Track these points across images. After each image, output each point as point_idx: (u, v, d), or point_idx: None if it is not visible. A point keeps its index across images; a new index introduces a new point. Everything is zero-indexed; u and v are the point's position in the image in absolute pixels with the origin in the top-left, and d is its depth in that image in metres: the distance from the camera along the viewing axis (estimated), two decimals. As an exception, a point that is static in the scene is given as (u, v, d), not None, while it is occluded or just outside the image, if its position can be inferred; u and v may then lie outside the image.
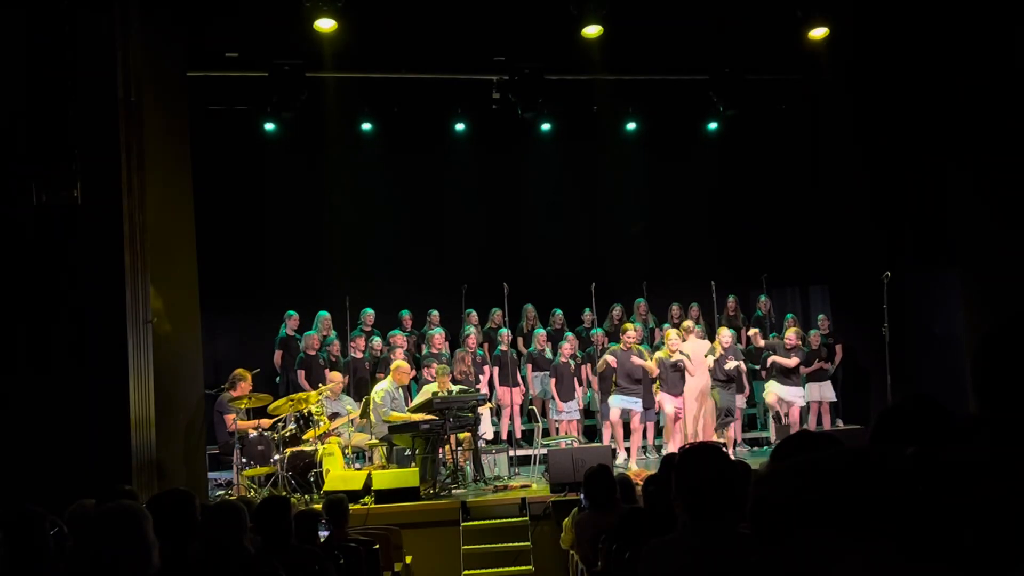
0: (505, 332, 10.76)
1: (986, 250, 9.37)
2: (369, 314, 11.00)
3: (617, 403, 9.60)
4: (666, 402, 9.64)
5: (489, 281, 10.84)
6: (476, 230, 12.13)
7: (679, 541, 2.60)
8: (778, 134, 12.01)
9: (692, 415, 9.72)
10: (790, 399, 10.03)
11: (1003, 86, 8.86)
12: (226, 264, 10.73)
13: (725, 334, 9.95)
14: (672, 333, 9.89)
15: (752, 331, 10.56)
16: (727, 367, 9.76)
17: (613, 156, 12.23)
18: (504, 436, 10.54)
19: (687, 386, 9.70)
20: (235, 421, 8.56)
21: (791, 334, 10.19)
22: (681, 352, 9.65)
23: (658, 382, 9.72)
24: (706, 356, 9.79)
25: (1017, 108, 8.69)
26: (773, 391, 10.13)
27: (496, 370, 10.62)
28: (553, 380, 10.28)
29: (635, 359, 9.60)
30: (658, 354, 9.77)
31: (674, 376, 9.63)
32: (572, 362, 10.39)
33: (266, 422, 8.75)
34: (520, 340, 11.29)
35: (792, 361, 10.03)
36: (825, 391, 10.58)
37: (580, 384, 10.48)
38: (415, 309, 11.46)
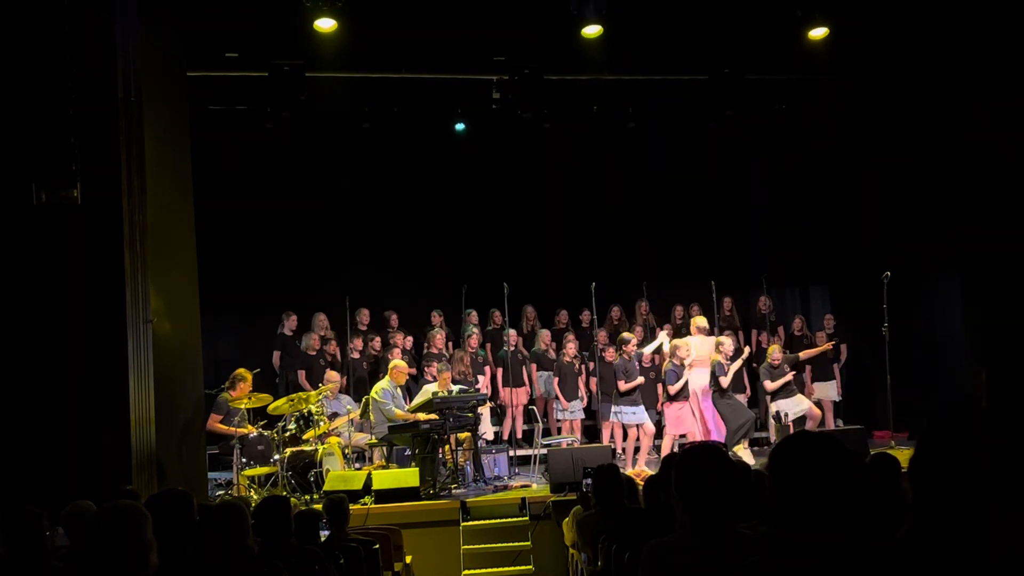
0: (513, 332, 10.76)
1: (985, 250, 9.38)
2: (364, 313, 10.98)
3: (624, 417, 9.54)
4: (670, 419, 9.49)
5: (489, 281, 10.83)
6: (476, 230, 12.12)
7: (679, 541, 2.60)
8: (778, 134, 12.01)
9: (700, 413, 9.71)
10: (798, 411, 9.77)
11: (1003, 86, 8.87)
12: (226, 264, 10.72)
13: (728, 344, 9.87)
14: (670, 339, 9.85)
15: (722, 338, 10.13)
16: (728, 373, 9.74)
17: (613, 156, 12.23)
18: (505, 436, 10.54)
19: (692, 385, 9.69)
20: (236, 422, 8.54)
21: (775, 352, 9.91)
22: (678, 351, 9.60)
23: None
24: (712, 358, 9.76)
25: (1017, 108, 8.70)
26: (778, 409, 9.81)
27: (500, 370, 10.61)
28: (556, 380, 10.28)
29: (645, 354, 9.61)
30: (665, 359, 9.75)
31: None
32: (575, 361, 10.39)
33: (251, 429, 8.64)
34: (520, 340, 11.29)
35: (786, 378, 9.73)
36: (829, 391, 10.56)
37: (584, 383, 10.49)
38: (415, 309, 11.45)
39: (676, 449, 9.49)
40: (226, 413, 8.64)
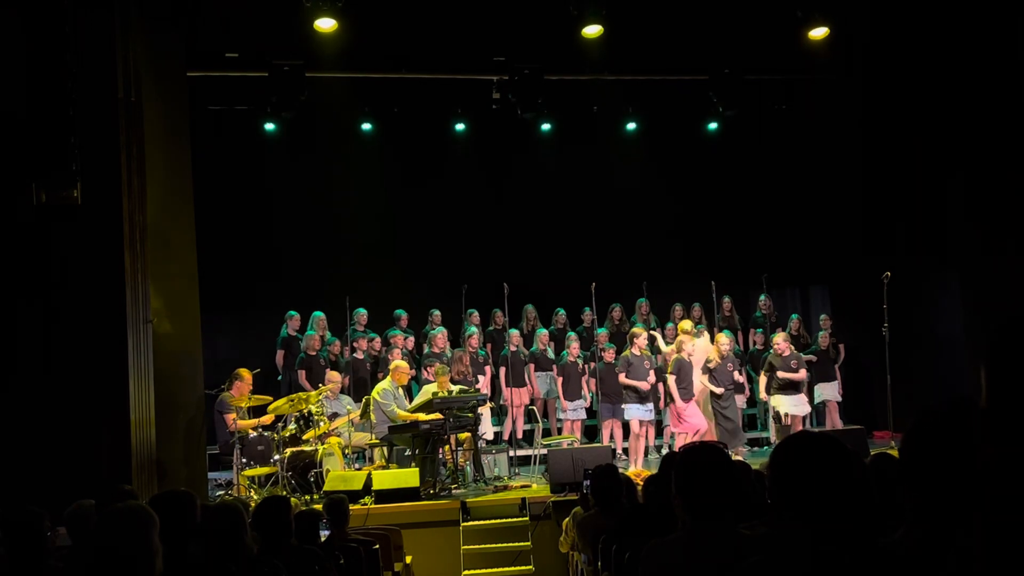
0: (515, 333, 10.75)
1: (985, 251, 9.38)
2: (362, 314, 10.97)
3: (635, 412, 9.55)
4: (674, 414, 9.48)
5: (489, 281, 10.83)
6: (476, 230, 12.12)
7: (679, 541, 2.60)
8: (778, 134, 12.01)
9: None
10: (797, 411, 9.79)
11: (1003, 87, 8.87)
12: (226, 264, 10.73)
13: (724, 341, 9.87)
14: (683, 336, 9.82)
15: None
16: (735, 376, 9.71)
17: (613, 156, 12.24)
18: (505, 436, 10.53)
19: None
20: (235, 421, 8.55)
21: (780, 340, 9.90)
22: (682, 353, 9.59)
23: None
24: (706, 363, 9.74)
25: (1016, 109, 8.70)
26: (780, 407, 9.84)
27: (503, 370, 10.61)
28: (560, 380, 10.28)
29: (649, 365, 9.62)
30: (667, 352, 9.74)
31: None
32: (579, 361, 10.39)
33: (267, 419, 8.74)
34: (522, 340, 11.28)
35: (801, 375, 9.77)
36: (832, 391, 10.56)
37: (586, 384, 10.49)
38: (416, 309, 11.45)
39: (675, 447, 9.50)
40: (234, 411, 8.66)
